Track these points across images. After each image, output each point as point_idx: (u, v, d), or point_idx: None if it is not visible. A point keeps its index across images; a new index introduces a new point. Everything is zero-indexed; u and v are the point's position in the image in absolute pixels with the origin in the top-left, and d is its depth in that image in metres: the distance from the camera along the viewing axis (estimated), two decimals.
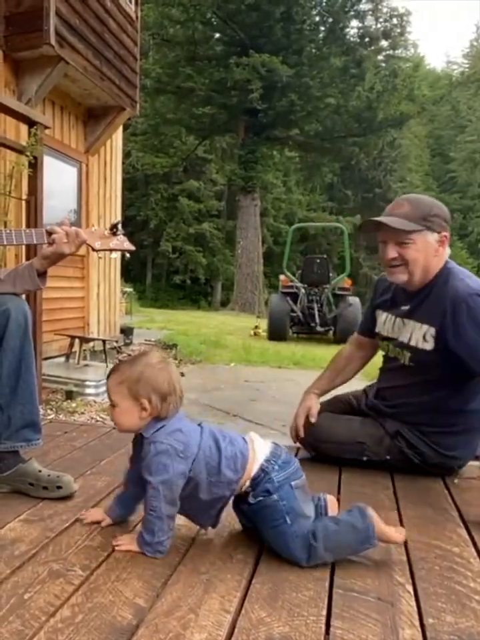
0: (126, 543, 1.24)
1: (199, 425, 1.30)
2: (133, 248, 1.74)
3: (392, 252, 1.70)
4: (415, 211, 1.67)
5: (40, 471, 1.58)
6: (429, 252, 1.69)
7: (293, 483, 1.23)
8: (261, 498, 1.22)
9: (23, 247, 3.60)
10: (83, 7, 4.75)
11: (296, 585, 1.13)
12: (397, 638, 0.97)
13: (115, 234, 1.69)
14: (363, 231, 1.84)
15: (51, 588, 1.08)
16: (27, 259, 3.11)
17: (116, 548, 1.24)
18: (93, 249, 1.68)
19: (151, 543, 1.20)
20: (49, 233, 1.60)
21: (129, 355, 6.15)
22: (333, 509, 1.34)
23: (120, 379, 1.24)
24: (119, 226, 1.70)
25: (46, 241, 1.61)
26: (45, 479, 1.56)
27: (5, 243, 1.62)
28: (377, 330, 1.96)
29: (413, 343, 1.76)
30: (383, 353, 1.98)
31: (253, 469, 1.23)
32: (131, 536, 1.27)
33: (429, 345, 1.71)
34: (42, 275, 1.65)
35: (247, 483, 1.23)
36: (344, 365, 2.10)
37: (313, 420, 1.94)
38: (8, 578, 1.11)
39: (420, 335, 1.74)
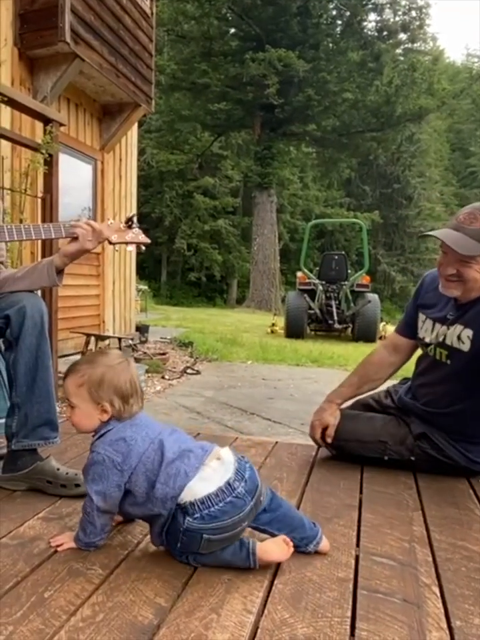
0: (65, 540, 1.25)
1: (160, 432, 1.21)
2: (148, 241, 1.75)
3: (451, 268, 1.62)
4: None
5: (58, 469, 1.58)
6: None
7: (206, 536, 1.10)
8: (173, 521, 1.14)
9: (39, 244, 3.60)
10: (98, 4, 4.73)
11: (319, 585, 1.11)
12: None
13: (130, 227, 1.70)
14: (424, 236, 1.73)
15: (71, 587, 1.08)
16: (43, 256, 3.09)
17: (57, 548, 1.23)
18: (110, 242, 1.68)
19: (84, 541, 1.22)
20: (73, 227, 1.60)
21: (145, 353, 6.15)
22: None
23: (80, 381, 1.20)
24: (134, 219, 1.70)
25: (64, 235, 1.61)
26: (63, 476, 1.56)
27: (25, 237, 1.61)
28: (419, 334, 1.87)
29: (448, 342, 1.72)
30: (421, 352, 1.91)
31: (187, 496, 1.12)
32: (69, 534, 1.27)
33: (465, 346, 1.67)
34: (59, 272, 1.65)
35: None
36: (374, 371, 1.97)
37: (328, 440, 1.88)
38: (28, 576, 1.12)
39: (456, 336, 1.69)
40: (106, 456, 1.15)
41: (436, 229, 1.79)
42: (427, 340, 1.82)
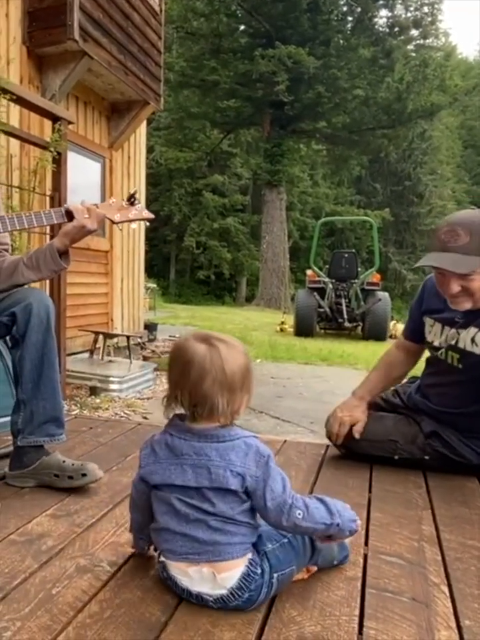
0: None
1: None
2: (152, 216, 1.73)
3: (454, 287, 1.56)
4: (475, 240, 1.50)
5: (64, 462, 1.58)
6: None
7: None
8: None
9: (48, 237, 3.61)
10: (107, 1, 4.72)
11: (327, 584, 1.10)
12: (433, 639, 0.94)
13: (133, 204, 1.68)
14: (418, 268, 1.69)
15: (79, 583, 1.08)
16: None
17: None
18: (113, 222, 1.68)
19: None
20: (68, 211, 1.59)
21: (153, 351, 6.17)
22: None
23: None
24: (136, 195, 1.68)
25: (65, 220, 1.61)
26: (70, 468, 1.56)
27: (26, 226, 1.61)
28: (427, 339, 1.85)
29: (461, 345, 1.69)
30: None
31: None
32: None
33: (478, 349, 1.65)
34: (64, 254, 1.64)
35: None
36: (394, 370, 1.98)
37: (356, 436, 1.85)
38: (36, 572, 1.12)
39: (469, 338, 1.67)
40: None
41: None
42: (436, 343, 1.79)
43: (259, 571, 0.98)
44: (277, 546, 1.03)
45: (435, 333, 1.80)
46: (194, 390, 0.96)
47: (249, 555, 0.99)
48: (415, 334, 1.93)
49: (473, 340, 1.66)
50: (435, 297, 1.80)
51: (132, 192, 1.69)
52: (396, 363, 1.98)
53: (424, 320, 1.86)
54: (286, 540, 1.04)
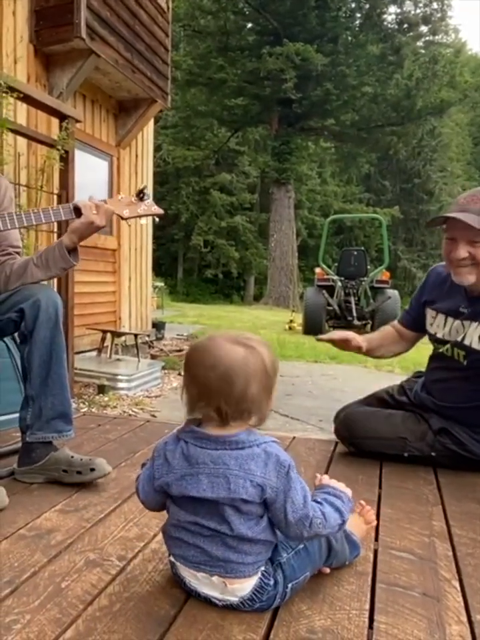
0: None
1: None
2: (161, 211, 1.72)
3: (462, 251, 1.57)
4: None
5: (72, 457, 1.58)
6: None
7: None
8: None
9: (55, 235, 3.62)
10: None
11: (337, 578, 1.10)
12: (444, 634, 0.94)
13: (142, 199, 1.67)
14: (431, 225, 1.73)
15: (88, 577, 1.08)
16: None
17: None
18: (122, 218, 1.67)
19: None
20: (76, 208, 1.59)
21: (161, 350, 6.17)
22: None
23: None
24: (145, 191, 1.68)
25: (74, 216, 1.60)
26: (78, 463, 1.56)
27: (34, 223, 1.61)
28: (430, 331, 1.84)
29: (467, 342, 1.67)
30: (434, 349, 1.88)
31: None
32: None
33: None
34: (73, 251, 1.64)
35: None
36: (390, 342, 2.00)
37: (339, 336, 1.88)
38: (45, 567, 1.12)
39: (477, 336, 1.65)
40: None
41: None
42: (439, 335, 1.78)
43: (271, 582, 0.96)
44: (292, 555, 1.00)
45: (437, 325, 1.79)
46: (242, 397, 0.90)
47: (262, 568, 0.96)
48: (413, 322, 1.94)
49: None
50: (438, 287, 1.81)
51: (141, 187, 1.69)
52: (390, 336, 2.00)
53: (425, 311, 1.86)
54: (302, 546, 1.02)
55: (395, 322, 2.05)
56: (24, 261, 1.68)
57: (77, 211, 1.60)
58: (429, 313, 1.84)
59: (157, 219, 1.74)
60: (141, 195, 1.67)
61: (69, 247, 1.62)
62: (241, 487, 0.90)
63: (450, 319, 1.75)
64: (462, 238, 1.56)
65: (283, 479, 0.91)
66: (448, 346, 1.76)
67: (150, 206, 1.69)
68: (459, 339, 1.70)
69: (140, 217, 1.69)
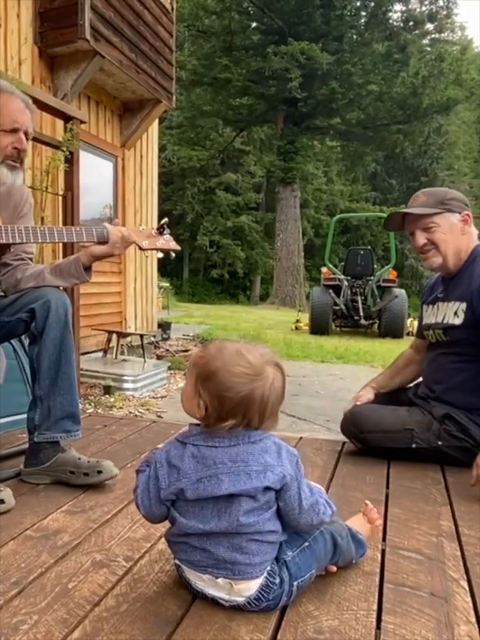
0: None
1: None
2: (178, 248, 1.79)
3: (421, 239, 1.81)
4: (430, 198, 1.81)
5: (79, 459, 1.59)
6: (455, 231, 1.79)
7: None
8: None
9: (60, 245, 3.63)
10: (118, 0, 4.74)
11: (345, 579, 1.09)
12: (452, 634, 0.93)
13: (161, 233, 1.73)
14: (388, 226, 1.97)
15: (95, 578, 1.08)
16: (64, 256, 3.12)
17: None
18: (140, 248, 1.72)
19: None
20: (106, 231, 1.62)
21: (167, 350, 6.18)
22: None
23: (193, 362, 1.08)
24: (166, 226, 1.74)
25: (96, 240, 1.64)
26: (85, 465, 1.56)
27: (57, 239, 1.64)
28: (425, 325, 1.99)
29: (446, 321, 1.82)
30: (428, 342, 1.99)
31: None
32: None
33: (459, 320, 1.78)
34: (87, 268, 1.69)
35: None
36: (403, 365, 2.12)
37: (357, 403, 1.99)
38: (52, 567, 1.12)
39: (451, 312, 1.81)
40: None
41: None
42: (425, 323, 1.96)
43: (277, 581, 0.96)
44: (297, 553, 1.00)
45: (428, 316, 1.97)
46: (271, 411, 0.95)
47: (268, 567, 0.96)
48: (421, 330, 2.07)
49: (455, 313, 1.79)
50: (430, 288, 2.03)
51: (162, 222, 1.74)
52: (406, 356, 2.14)
53: (424, 313, 2.02)
54: (307, 544, 1.02)
55: (413, 342, 2.19)
56: (38, 269, 1.70)
57: (102, 238, 1.63)
58: (425, 311, 2.00)
59: (173, 255, 1.78)
60: (161, 229, 1.72)
61: (85, 265, 1.67)
62: (264, 477, 0.92)
63: (432, 307, 1.94)
64: (417, 227, 1.82)
65: (295, 467, 0.95)
66: (431, 330, 1.91)
67: (168, 241, 1.74)
68: (439, 319, 1.86)
69: (157, 250, 1.74)
